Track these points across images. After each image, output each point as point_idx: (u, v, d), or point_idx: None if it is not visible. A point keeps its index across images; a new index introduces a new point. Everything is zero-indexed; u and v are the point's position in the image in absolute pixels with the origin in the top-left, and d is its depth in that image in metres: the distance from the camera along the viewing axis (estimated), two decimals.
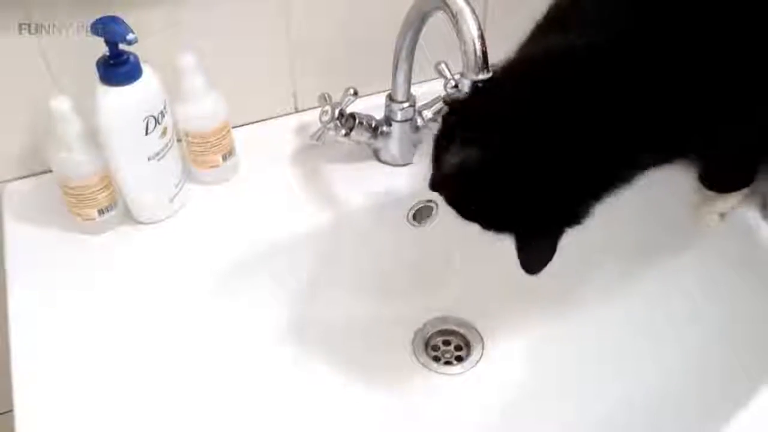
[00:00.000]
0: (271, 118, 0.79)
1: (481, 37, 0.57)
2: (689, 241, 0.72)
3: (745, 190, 0.69)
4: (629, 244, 0.76)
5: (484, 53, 0.57)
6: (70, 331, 0.61)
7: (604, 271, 0.77)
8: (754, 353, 0.65)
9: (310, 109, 0.79)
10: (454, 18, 0.57)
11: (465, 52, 0.57)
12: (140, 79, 0.60)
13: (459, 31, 0.57)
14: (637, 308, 0.75)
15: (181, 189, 0.69)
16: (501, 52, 0.59)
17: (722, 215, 0.69)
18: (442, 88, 0.75)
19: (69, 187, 0.64)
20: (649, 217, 0.75)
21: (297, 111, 0.80)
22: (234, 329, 0.68)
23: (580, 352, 0.75)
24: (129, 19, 0.58)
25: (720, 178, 0.70)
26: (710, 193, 0.70)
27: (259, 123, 0.79)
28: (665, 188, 0.70)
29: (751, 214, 0.69)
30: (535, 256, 0.58)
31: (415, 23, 0.65)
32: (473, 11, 0.57)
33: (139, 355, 0.61)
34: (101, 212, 0.66)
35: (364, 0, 0.75)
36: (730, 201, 0.69)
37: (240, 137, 0.74)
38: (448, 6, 0.58)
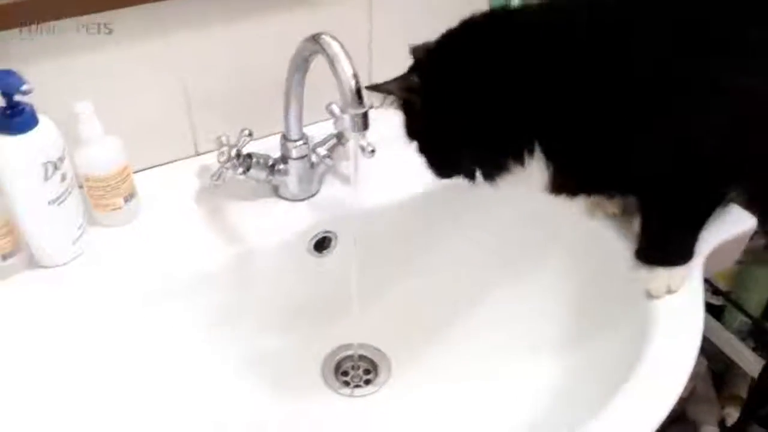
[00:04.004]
0: (173, 161, 0.83)
1: (355, 76, 0.62)
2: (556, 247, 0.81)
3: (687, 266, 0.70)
4: (515, 265, 0.83)
5: (359, 90, 0.62)
6: None
7: (496, 289, 0.83)
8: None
9: (209, 152, 0.83)
10: (331, 60, 0.63)
11: (342, 90, 0.63)
12: (37, 128, 0.63)
13: (335, 72, 0.63)
14: (526, 320, 0.81)
15: (83, 232, 0.71)
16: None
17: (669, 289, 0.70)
18: (332, 126, 0.81)
19: None
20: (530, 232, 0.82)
21: (197, 154, 0.84)
22: (143, 364, 0.70)
23: (484, 368, 0.79)
24: (26, 71, 0.62)
25: (656, 252, 0.71)
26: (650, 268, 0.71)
27: (160, 167, 0.82)
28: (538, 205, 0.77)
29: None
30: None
31: (299, 66, 0.70)
32: (347, 53, 0.63)
33: (45, 400, 0.62)
34: (5, 257, 0.68)
35: (254, 47, 0.80)
36: (675, 276, 0.70)
37: (142, 181, 0.77)
38: (324, 50, 0.64)
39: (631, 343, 0.68)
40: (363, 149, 0.76)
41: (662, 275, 0.70)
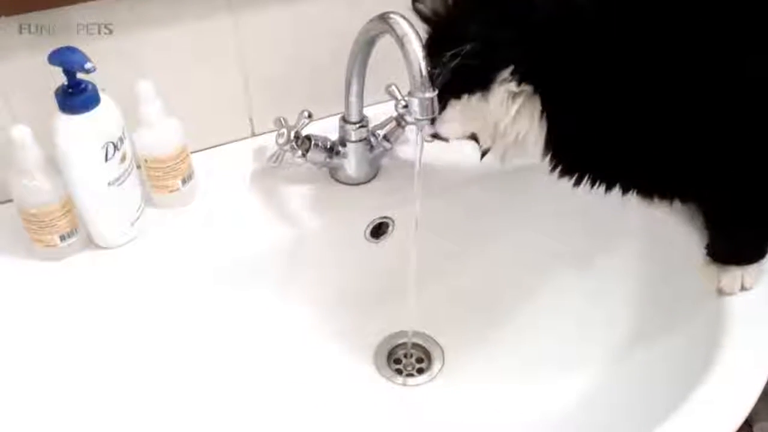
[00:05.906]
0: (230, 142, 0.81)
1: (426, 58, 0.60)
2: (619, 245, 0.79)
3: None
4: (579, 254, 0.80)
5: (429, 72, 0.60)
6: (33, 357, 0.62)
7: (556, 280, 0.81)
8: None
9: (266, 133, 0.81)
10: (400, 41, 0.61)
11: (411, 73, 0.60)
12: (98, 107, 0.62)
13: (405, 53, 0.60)
14: (588, 313, 0.78)
15: (141, 213, 0.70)
16: None
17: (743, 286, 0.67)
18: (393, 108, 0.78)
19: (30, 214, 0.65)
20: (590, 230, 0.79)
21: (254, 135, 0.82)
22: (197, 345, 0.70)
23: (541, 362, 0.77)
24: (86, 49, 0.60)
25: (728, 249, 0.68)
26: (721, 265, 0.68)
27: (217, 148, 0.81)
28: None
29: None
30: None
31: (364, 46, 0.68)
32: (417, 34, 0.60)
33: (103, 380, 0.62)
34: (63, 238, 0.67)
35: (314, 26, 0.78)
36: (750, 273, 0.67)
37: (199, 162, 0.76)
38: (393, 30, 0.61)
39: (703, 338, 0.66)
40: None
41: (735, 272, 0.67)
